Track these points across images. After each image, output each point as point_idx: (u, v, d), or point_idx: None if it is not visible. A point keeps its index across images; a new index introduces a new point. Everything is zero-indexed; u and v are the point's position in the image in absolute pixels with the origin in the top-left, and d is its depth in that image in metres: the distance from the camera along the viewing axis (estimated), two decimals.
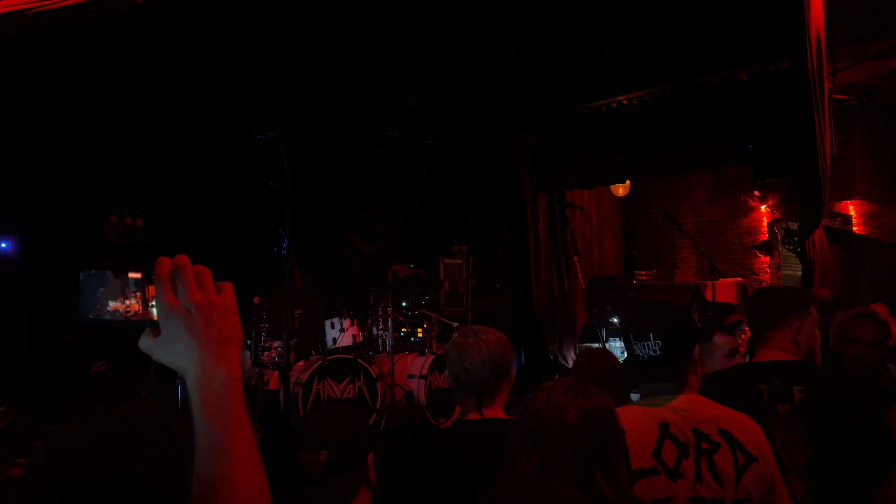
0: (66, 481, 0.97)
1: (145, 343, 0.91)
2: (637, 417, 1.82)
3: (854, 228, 8.41)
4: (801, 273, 6.01)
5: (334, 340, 6.37)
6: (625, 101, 7.54)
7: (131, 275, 0.91)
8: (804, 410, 2.05)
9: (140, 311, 0.92)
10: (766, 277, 9.49)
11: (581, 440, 1.46)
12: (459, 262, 8.23)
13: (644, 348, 1.85)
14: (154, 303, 0.90)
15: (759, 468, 1.75)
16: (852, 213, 8.47)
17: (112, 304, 0.91)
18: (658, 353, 1.84)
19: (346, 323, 6.43)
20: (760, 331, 2.32)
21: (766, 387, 2.14)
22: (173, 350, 0.89)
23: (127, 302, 0.91)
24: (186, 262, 0.90)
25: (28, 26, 2.40)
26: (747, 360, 3.34)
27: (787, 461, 2.00)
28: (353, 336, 6.42)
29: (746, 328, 2.60)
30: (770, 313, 2.32)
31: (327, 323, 6.52)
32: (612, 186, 9.41)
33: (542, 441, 1.47)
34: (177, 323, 0.88)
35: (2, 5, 2.36)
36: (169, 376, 5.54)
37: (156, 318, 0.90)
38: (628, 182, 9.25)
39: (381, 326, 6.65)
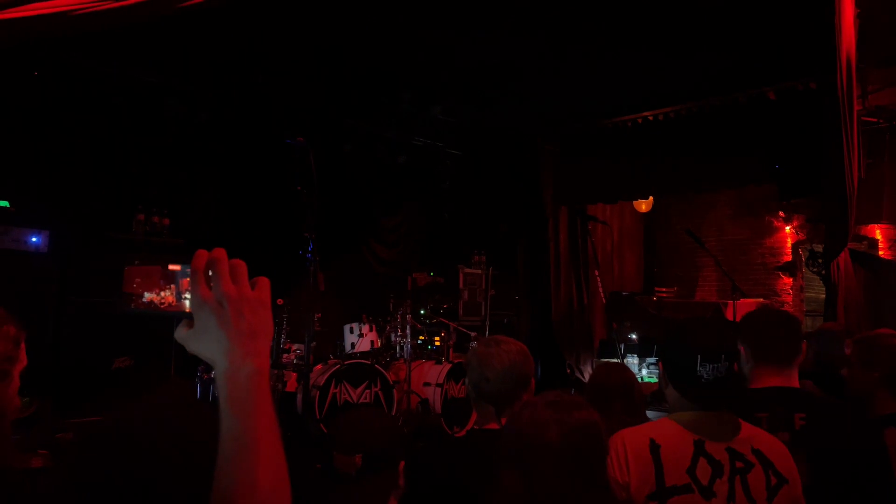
0: (89, 476, 1.00)
1: (180, 334, 0.93)
2: (672, 433, 1.80)
3: (880, 252, 8.27)
4: (824, 296, 5.94)
5: (352, 345, 6.41)
6: (650, 117, 7.53)
7: (171, 267, 0.94)
8: (804, 438, 2.02)
9: (174, 304, 0.95)
10: (788, 299, 9.37)
11: (563, 457, 1.44)
12: (479, 271, 8.24)
13: (714, 370, 1.77)
14: (187, 295, 0.93)
15: (789, 491, 1.74)
16: (879, 237, 8.35)
17: (148, 296, 0.94)
18: (724, 373, 1.78)
19: (365, 328, 6.46)
20: (781, 358, 2.26)
21: (765, 415, 2.09)
22: (204, 341, 0.91)
23: (162, 294, 0.94)
24: (223, 256, 0.92)
25: (71, 27, 2.48)
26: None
27: None
28: (372, 341, 6.45)
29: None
30: (797, 342, 2.29)
31: (346, 327, 6.56)
32: (634, 202, 9.38)
33: (525, 460, 1.45)
34: (208, 314, 0.90)
35: (45, 6, 2.43)
36: (189, 373, 5.61)
37: (188, 310, 0.92)
38: (651, 198, 9.21)
39: (399, 333, 6.68)
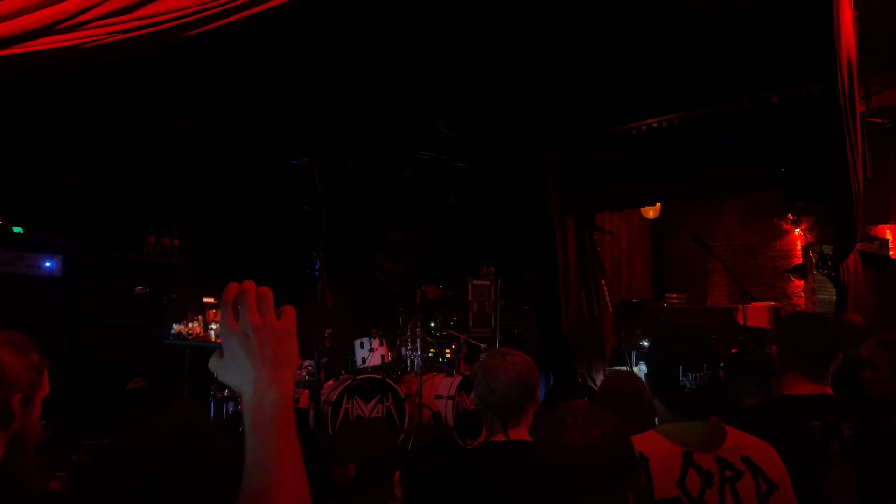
0: (102, 493, 1.03)
1: (213, 363, 0.97)
2: (660, 445, 1.79)
3: (892, 253, 8.24)
4: (836, 298, 5.91)
5: (363, 360, 6.43)
6: (655, 125, 7.53)
7: (205, 299, 0.98)
8: (852, 449, 2.01)
9: (201, 334, 0.99)
10: (800, 302, 9.33)
11: (607, 462, 1.46)
12: (488, 283, 8.26)
13: (695, 380, 1.79)
14: (213, 326, 0.97)
15: (780, 496, 1.73)
16: (889, 237, 8.32)
17: (176, 327, 0.98)
18: (706, 382, 1.79)
19: (376, 343, 6.49)
20: (818, 363, 2.24)
21: (819, 423, 2.07)
22: (232, 370, 0.94)
23: (190, 325, 0.98)
24: (251, 288, 0.95)
25: (79, 60, 2.54)
26: None
27: (836, 501, 1.96)
28: (382, 356, 6.47)
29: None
30: (834, 348, 2.26)
31: (357, 343, 6.59)
32: (642, 209, 9.38)
33: (569, 468, 1.46)
34: (235, 345, 0.93)
35: (54, 41, 2.50)
36: (202, 394, 5.65)
37: (214, 340, 0.96)
38: (658, 205, 9.21)
39: (409, 347, 6.70)
